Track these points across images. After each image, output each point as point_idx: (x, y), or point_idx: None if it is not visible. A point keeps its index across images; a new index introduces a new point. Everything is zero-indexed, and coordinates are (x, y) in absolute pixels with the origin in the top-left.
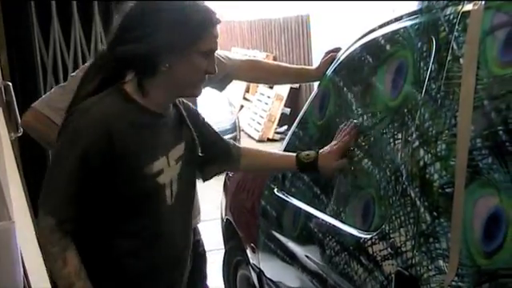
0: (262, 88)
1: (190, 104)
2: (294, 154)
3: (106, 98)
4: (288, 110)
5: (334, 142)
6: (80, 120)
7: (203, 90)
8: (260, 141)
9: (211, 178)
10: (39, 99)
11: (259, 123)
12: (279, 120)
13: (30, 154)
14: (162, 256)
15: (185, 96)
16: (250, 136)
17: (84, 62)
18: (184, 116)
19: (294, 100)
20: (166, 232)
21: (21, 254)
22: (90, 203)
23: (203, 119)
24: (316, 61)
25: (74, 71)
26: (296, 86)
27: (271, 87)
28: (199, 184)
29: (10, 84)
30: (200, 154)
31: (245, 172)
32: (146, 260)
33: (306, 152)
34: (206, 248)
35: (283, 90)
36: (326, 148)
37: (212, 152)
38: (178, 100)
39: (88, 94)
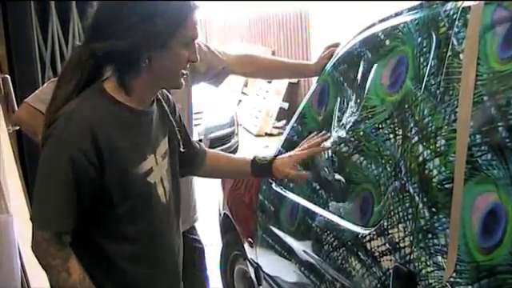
0: (261, 82)
1: (169, 95)
2: (251, 157)
3: (87, 100)
4: (286, 105)
5: (297, 149)
6: (64, 127)
7: (200, 86)
8: (258, 135)
9: None
10: (32, 94)
11: (257, 118)
12: (277, 114)
13: (28, 148)
14: (160, 257)
15: (168, 88)
16: (247, 130)
17: None
18: (165, 108)
19: (292, 95)
20: (163, 232)
21: (18, 247)
22: (84, 210)
23: (179, 115)
24: (315, 56)
25: None
26: (294, 80)
27: (269, 82)
28: (196, 179)
29: (8, 77)
30: (182, 150)
31: (203, 177)
32: (146, 262)
33: (264, 155)
34: (204, 242)
35: (281, 84)
36: (286, 154)
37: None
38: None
39: (68, 95)
